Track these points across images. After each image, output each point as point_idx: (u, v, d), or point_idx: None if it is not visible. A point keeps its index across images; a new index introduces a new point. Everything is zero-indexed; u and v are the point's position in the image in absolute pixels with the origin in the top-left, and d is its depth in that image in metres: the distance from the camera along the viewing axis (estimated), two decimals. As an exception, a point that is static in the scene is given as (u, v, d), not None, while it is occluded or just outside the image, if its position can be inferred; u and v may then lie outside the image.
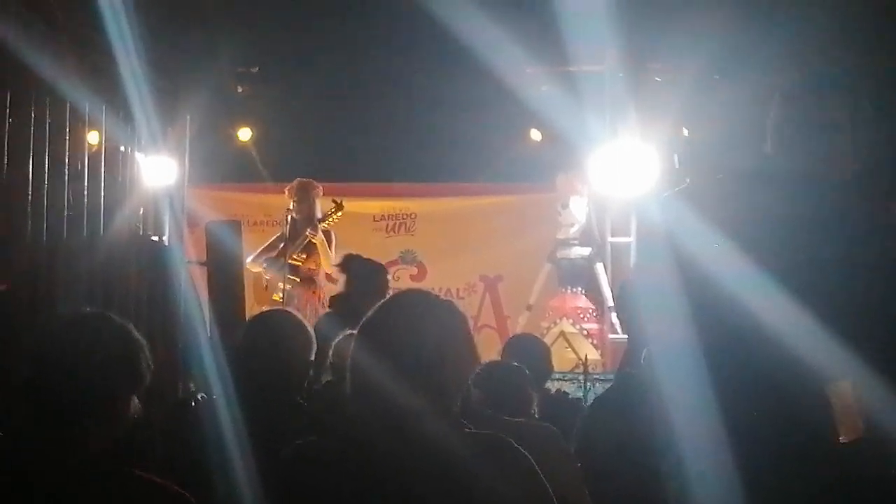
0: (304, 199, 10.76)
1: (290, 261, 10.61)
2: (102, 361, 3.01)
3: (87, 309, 3.47)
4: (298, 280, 10.65)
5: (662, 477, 3.27)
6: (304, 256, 10.70)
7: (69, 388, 2.98)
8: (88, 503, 2.90)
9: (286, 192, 10.97)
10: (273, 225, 11.28)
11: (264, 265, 10.75)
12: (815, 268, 2.96)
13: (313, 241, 10.65)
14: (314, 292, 10.76)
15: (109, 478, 2.99)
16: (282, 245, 10.71)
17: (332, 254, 10.60)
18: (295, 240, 10.67)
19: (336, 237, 10.90)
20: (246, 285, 9.35)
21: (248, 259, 10.09)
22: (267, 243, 10.85)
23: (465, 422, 3.04)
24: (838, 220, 3.02)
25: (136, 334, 3.13)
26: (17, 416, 3.05)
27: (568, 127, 10.74)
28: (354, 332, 3.09)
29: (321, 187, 10.98)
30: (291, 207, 10.78)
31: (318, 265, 10.74)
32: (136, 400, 3.13)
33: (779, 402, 2.98)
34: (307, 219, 10.73)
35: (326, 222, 10.84)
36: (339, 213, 10.95)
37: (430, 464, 2.86)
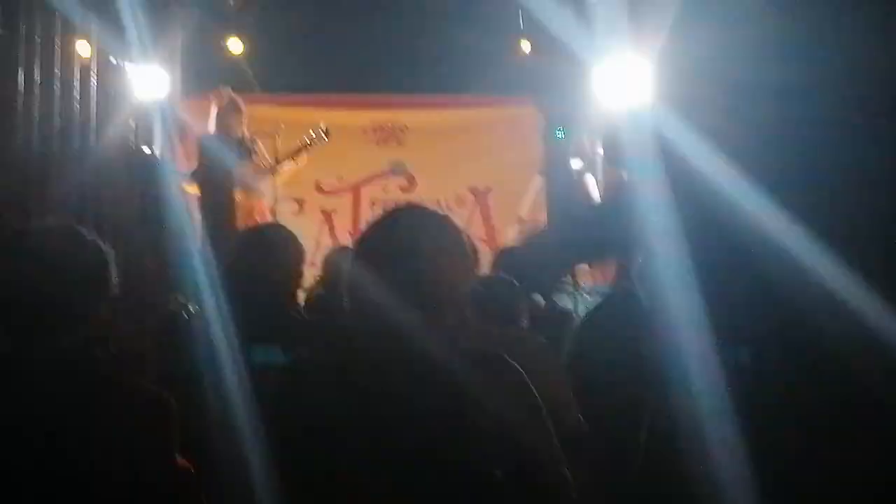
0: (237, 111, 10.70)
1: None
2: (69, 274, 3.03)
3: (57, 220, 3.50)
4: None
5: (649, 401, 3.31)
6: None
7: (34, 300, 3.01)
8: (64, 403, 2.93)
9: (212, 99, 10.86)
10: (264, 137, 11.23)
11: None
12: (808, 179, 2.96)
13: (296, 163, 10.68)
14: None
15: (87, 378, 3.03)
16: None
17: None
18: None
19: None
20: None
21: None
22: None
23: (459, 334, 3.07)
24: (834, 133, 3.03)
25: (103, 244, 3.14)
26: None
27: (559, 38, 10.68)
28: (344, 246, 3.11)
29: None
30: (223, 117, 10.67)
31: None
32: (106, 306, 3.15)
33: (778, 312, 3.00)
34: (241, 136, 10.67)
35: (308, 151, 10.84)
36: (323, 143, 10.93)
37: (423, 377, 2.88)
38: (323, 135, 10.95)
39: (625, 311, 4.35)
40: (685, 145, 3.14)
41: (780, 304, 2.98)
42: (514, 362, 3.02)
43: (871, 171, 3.05)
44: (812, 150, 3.00)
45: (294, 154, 10.76)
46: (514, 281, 4.69)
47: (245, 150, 10.54)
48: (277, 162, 10.67)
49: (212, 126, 10.46)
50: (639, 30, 10.24)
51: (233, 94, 10.72)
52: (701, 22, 2.76)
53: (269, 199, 10.79)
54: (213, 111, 10.59)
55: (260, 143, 10.71)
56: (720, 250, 3.05)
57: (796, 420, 2.93)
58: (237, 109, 10.64)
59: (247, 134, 10.65)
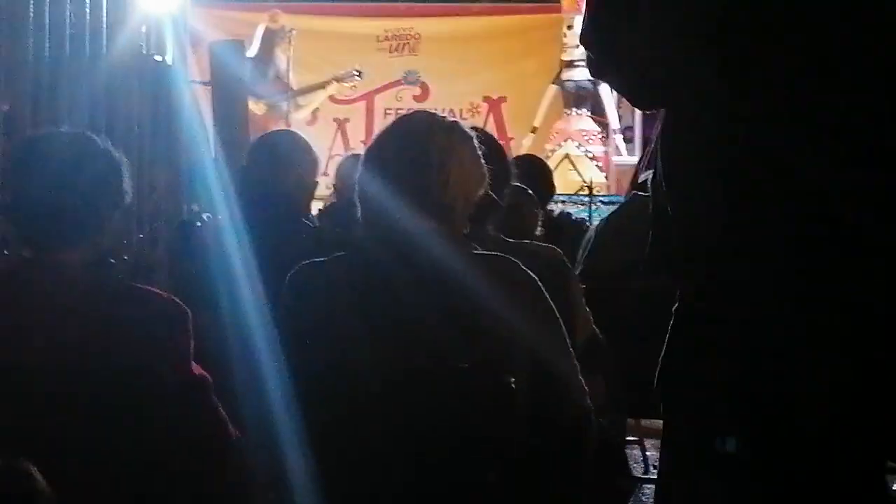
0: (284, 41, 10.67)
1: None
2: (81, 182, 3.02)
3: (67, 128, 3.48)
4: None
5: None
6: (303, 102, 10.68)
7: (47, 211, 3.00)
8: (77, 312, 2.93)
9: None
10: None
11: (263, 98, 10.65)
12: None
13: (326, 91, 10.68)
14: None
15: (101, 288, 3.03)
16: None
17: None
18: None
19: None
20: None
21: None
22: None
23: (472, 243, 3.06)
24: None
25: (115, 152, 3.13)
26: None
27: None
28: (356, 153, 3.09)
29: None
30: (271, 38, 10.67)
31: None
32: (119, 216, 3.14)
33: None
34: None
35: (343, 83, 10.82)
36: (358, 80, 10.91)
37: (436, 285, 2.88)
38: (356, 74, 10.95)
39: (641, 218, 4.32)
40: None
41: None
42: (527, 269, 3.01)
43: None
44: None
45: (324, 84, 10.75)
46: (528, 189, 4.67)
47: (280, 73, 10.56)
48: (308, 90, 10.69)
49: (255, 46, 10.45)
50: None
51: (286, 21, 10.72)
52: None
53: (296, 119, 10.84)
54: (260, 31, 10.55)
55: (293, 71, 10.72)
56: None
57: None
58: (286, 38, 10.64)
59: (288, 62, 10.67)
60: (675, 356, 2.24)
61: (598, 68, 2.44)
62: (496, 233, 3.81)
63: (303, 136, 5.04)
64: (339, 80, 10.85)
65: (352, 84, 10.98)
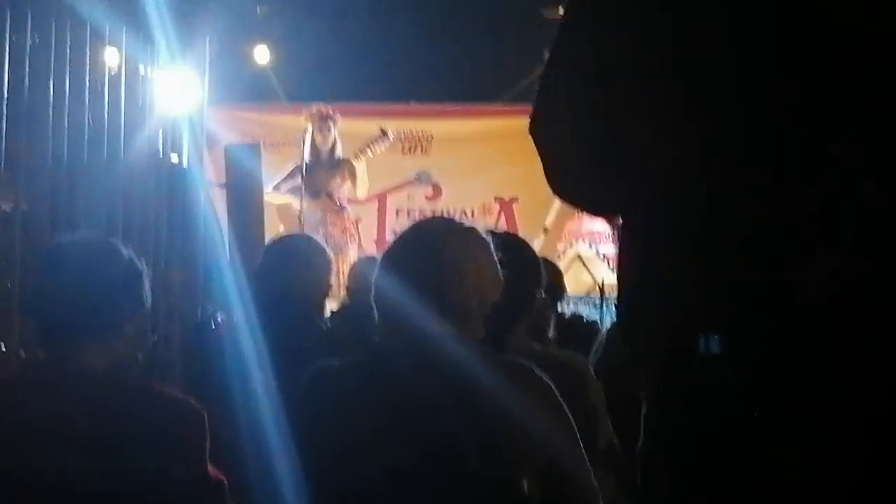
0: (324, 127, 10.69)
1: (328, 190, 10.58)
2: (103, 285, 3.06)
3: (92, 233, 3.53)
4: (335, 208, 10.61)
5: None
6: (339, 182, 10.68)
7: (69, 310, 3.04)
8: (96, 415, 2.95)
9: (304, 118, 10.91)
10: (291, 145, 11.25)
11: (290, 194, 10.65)
12: None
13: (356, 165, 10.64)
14: (349, 218, 10.77)
15: (119, 391, 3.06)
16: (298, 176, 10.64)
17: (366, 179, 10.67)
18: (319, 167, 10.58)
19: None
20: (274, 216, 9.35)
21: (268, 188, 9.99)
22: (286, 173, 10.72)
23: (486, 346, 3.08)
24: None
25: (137, 260, 3.18)
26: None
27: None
28: (370, 256, 3.13)
29: (339, 114, 10.92)
30: (312, 135, 10.70)
31: (348, 191, 10.75)
32: (139, 321, 3.18)
33: None
34: (331, 148, 10.68)
35: (372, 151, 10.80)
36: (387, 143, 10.90)
37: (451, 388, 2.89)
38: (386, 137, 10.95)
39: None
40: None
41: None
42: (542, 374, 3.03)
43: None
44: None
45: (359, 153, 10.76)
46: (542, 292, 4.69)
47: (338, 163, 10.60)
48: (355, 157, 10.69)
49: (307, 150, 10.50)
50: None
51: (322, 110, 10.76)
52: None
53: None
54: (308, 133, 10.60)
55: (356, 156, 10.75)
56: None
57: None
58: (325, 125, 10.68)
59: (338, 148, 10.71)
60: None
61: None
62: (525, 338, 3.84)
63: (317, 238, 5.10)
64: (368, 147, 10.81)
65: (383, 147, 10.94)
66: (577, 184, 2.28)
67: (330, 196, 10.51)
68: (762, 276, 1.94)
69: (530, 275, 3.79)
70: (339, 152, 10.73)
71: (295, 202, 10.40)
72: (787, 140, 1.95)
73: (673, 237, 2.05)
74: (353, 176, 10.67)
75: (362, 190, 10.82)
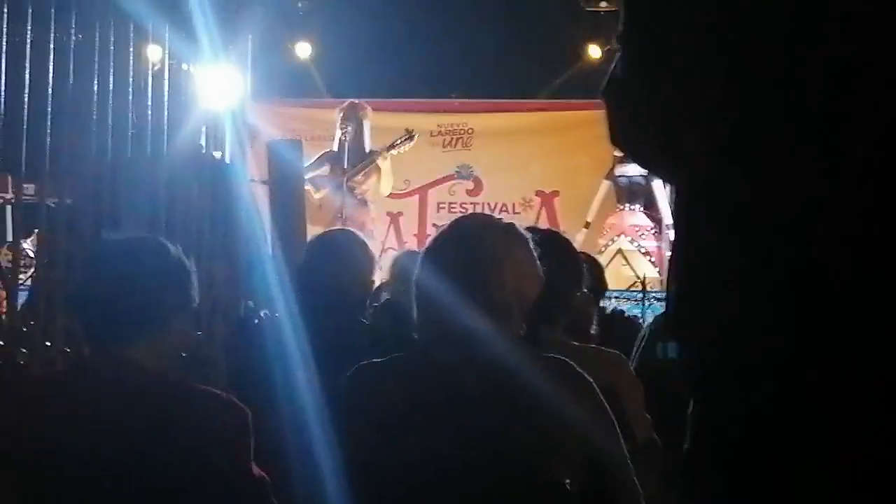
0: (352, 119, 10.73)
1: (349, 183, 10.62)
2: (152, 284, 3.09)
3: (142, 234, 3.56)
4: (355, 202, 10.66)
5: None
6: (362, 178, 10.71)
7: (116, 309, 3.06)
8: (141, 413, 2.97)
9: (338, 110, 10.97)
10: (332, 141, 11.30)
11: (318, 185, 10.71)
12: None
13: (380, 164, 10.67)
14: (368, 213, 10.80)
15: (164, 388, 3.08)
16: (327, 165, 10.70)
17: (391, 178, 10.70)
18: (344, 160, 10.63)
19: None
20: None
21: None
22: (312, 161, 10.76)
23: (527, 343, 3.08)
24: None
25: (185, 258, 3.20)
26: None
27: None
28: (411, 249, 3.13)
29: (369, 108, 10.95)
30: (340, 128, 10.77)
31: (372, 186, 10.77)
32: (186, 320, 3.21)
33: None
34: (356, 140, 10.71)
35: (397, 150, 10.83)
36: (411, 143, 10.90)
37: (492, 385, 2.91)
38: (408, 138, 10.98)
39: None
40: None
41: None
42: (582, 371, 3.04)
43: None
44: None
45: (384, 151, 10.79)
46: (585, 288, 4.68)
47: (364, 158, 10.65)
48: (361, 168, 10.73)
49: (335, 142, 10.58)
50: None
51: (353, 103, 10.82)
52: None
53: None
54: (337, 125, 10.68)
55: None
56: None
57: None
58: (358, 109, 10.74)
59: (366, 143, 10.77)
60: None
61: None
62: (563, 335, 3.84)
63: (358, 233, 5.11)
64: (393, 147, 10.86)
65: (406, 148, 10.97)
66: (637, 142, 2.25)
67: (351, 190, 10.54)
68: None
69: (569, 272, 3.78)
70: (367, 147, 10.77)
71: (313, 191, 10.46)
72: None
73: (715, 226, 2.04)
74: (377, 173, 10.70)
75: (386, 187, 10.87)
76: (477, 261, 3.01)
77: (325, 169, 10.68)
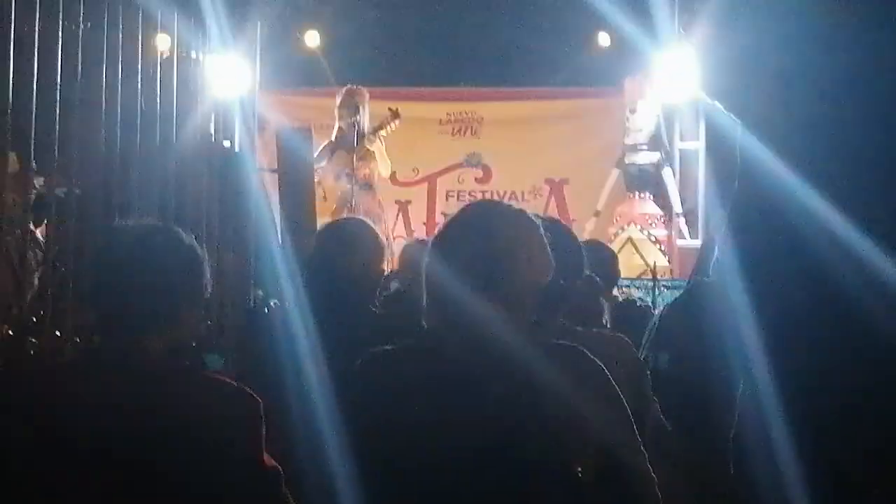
0: (349, 104, 10.69)
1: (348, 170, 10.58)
2: (165, 273, 3.08)
3: (153, 221, 3.54)
4: (358, 188, 10.61)
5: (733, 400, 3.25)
6: (360, 165, 10.66)
7: (129, 299, 3.06)
8: (154, 402, 2.97)
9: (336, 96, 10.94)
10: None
11: (323, 174, 10.66)
12: (858, 168, 2.89)
13: (370, 148, 10.61)
14: (374, 198, 10.77)
15: (177, 377, 3.08)
16: (332, 153, 10.66)
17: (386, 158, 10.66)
18: (342, 147, 10.60)
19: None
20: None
21: None
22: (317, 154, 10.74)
23: (540, 331, 3.07)
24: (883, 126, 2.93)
25: (198, 247, 3.19)
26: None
27: (636, 31, 10.62)
28: (421, 238, 3.13)
29: (367, 94, 10.90)
30: (337, 115, 10.74)
31: (372, 170, 10.73)
32: (197, 310, 3.20)
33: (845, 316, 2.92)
34: (352, 126, 10.66)
35: (384, 131, 10.76)
36: (397, 122, 10.82)
37: (503, 373, 2.90)
38: (398, 115, 10.89)
39: (703, 306, 4.32)
40: (736, 138, 3.08)
41: (840, 303, 2.89)
42: (594, 358, 3.02)
43: None
44: (862, 144, 2.92)
45: (372, 134, 10.74)
46: (595, 276, 4.68)
47: (359, 143, 10.62)
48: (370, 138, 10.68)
49: (334, 130, 10.57)
50: (690, 19, 10.13)
51: (349, 89, 10.79)
52: (749, 10, 2.68)
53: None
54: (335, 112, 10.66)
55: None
56: (781, 250, 2.98)
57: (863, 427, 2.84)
58: (355, 94, 10.70)
59: (364, 128, 10.72)
60: None
61: None
62: (568, 322, 3.83)
63: (367, 220, 5.10)
64: (381, 128, 10.79)
65: (394, 126, 10.88)
66: None
67: (350, 176, 10.50)
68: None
69: (571, 261, 3.77)
70: (364, 132, 10.73)
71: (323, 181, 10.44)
72: None
73: None
74: (371, 157, 10.67)
75: (385, 169, 10.79)
76: (488, 248, 3.00)
77: (325, 160, 10.62)
